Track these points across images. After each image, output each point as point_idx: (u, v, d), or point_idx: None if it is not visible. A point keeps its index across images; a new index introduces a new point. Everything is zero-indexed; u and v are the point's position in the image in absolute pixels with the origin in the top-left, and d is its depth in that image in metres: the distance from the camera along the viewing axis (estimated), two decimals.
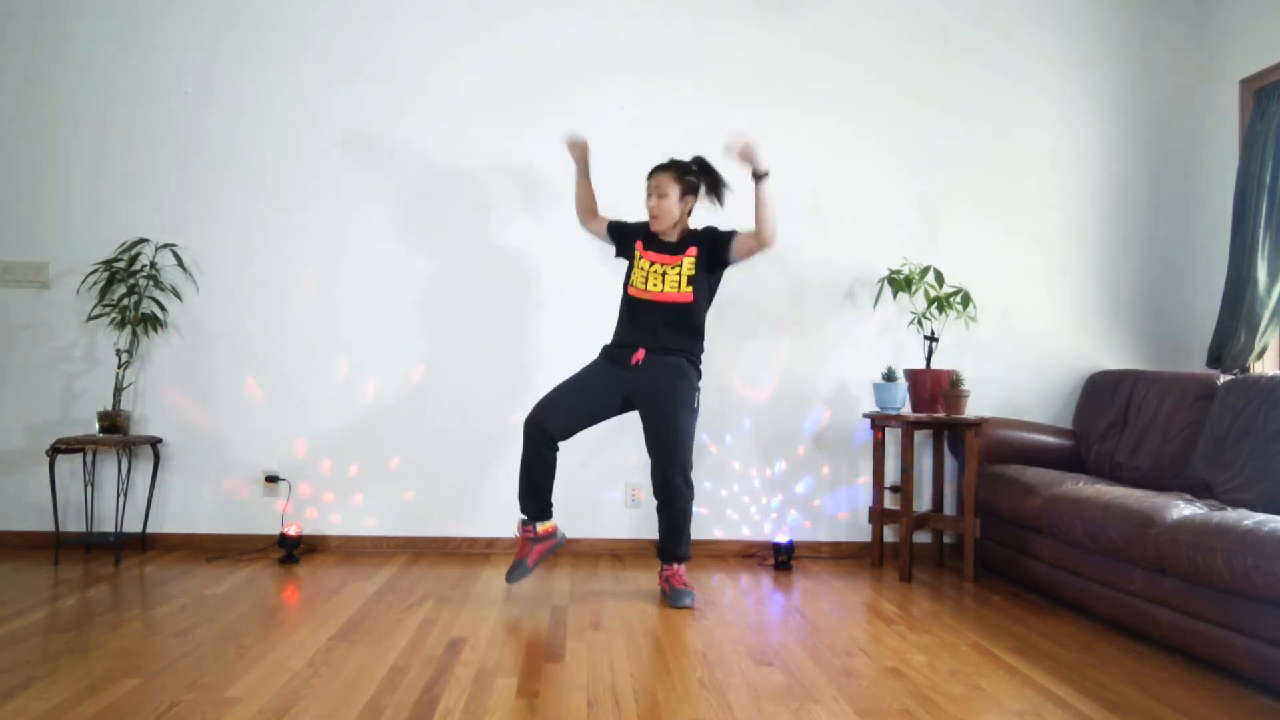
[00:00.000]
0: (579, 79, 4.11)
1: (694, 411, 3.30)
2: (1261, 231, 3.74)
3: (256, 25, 4.06)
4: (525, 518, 3.33)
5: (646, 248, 3.41)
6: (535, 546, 3.31)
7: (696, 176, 3.41)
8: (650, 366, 3.29)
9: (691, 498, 3.26)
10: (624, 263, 3.54)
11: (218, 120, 4.04)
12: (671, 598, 3.24)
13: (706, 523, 4.13)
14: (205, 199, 4.03)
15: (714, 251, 3.37)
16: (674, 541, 3.28)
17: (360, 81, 4.07)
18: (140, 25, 4.03)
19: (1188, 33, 4.32)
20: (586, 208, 3.61)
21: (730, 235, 3.37)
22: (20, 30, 4.00)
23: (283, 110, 4.05)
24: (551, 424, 3.23)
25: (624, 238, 3.53)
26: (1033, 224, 4.28)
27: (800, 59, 4.19)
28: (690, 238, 3.41)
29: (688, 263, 3.35)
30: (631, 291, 3.39)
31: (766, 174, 3.25)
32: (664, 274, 3.34)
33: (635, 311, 3.37)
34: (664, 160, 3.42)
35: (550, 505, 3.35)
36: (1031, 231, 4.28)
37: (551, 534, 3.37)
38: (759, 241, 3.31)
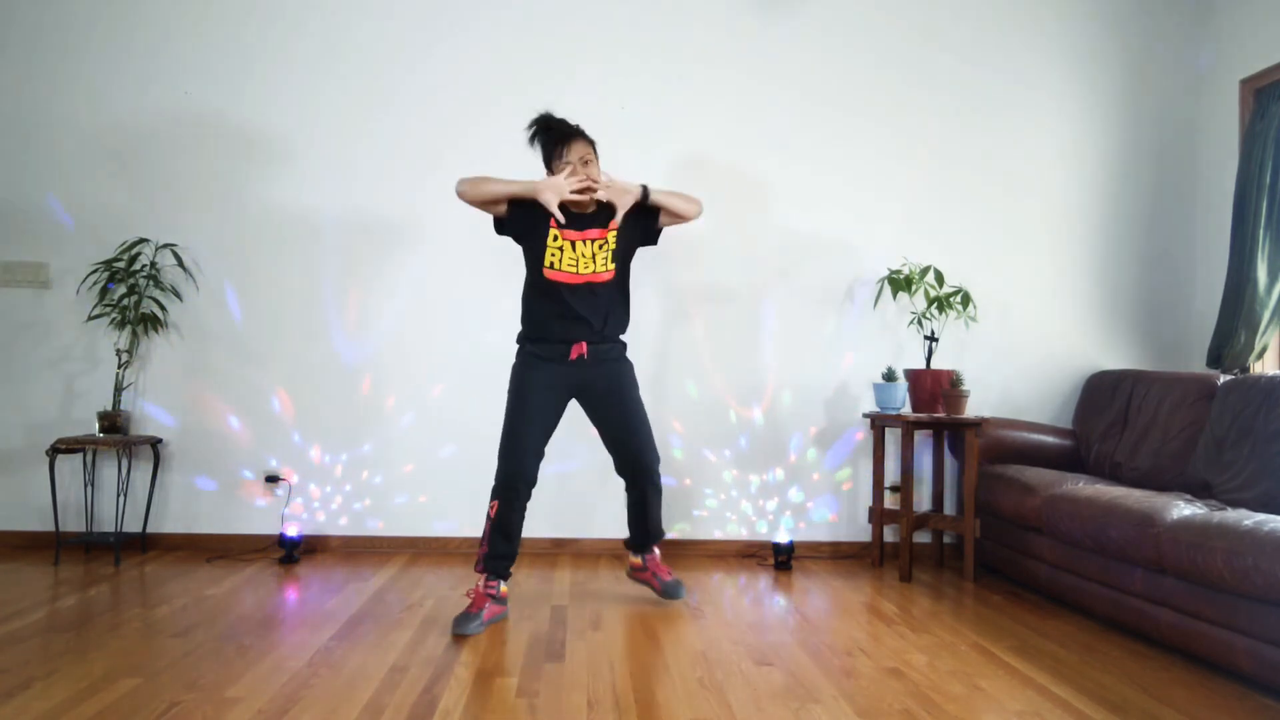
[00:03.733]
0: (579, 77, 4.12)
1: (639, 389, 3.17)
2: (1261, 231, 3.74)
3: (256, 25, 4.06)
4: (488, 575, 3.01)
5: (564, 226, 3.03)
6: (493, 605, 2.97)
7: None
8: (593, 359, 3.06)
9: (660, 472, 3.21)
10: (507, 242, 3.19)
11: (217, 120, 4.04)
12: (668, 590, 3.23)
13: (707, 523, 4.13)
14: (205, 199, 4.04)
15: (646, 224, 3.14)
16: (656, 521, 3.23)
17: (363, 82, 4.07)
18: (140, 25, 4.03)
19: (1188, 33, 4.32)
20: (491, 197, 3.07)
21: (657, 209, 3.14)
22: (20, 30, 4.00)
23: (283, 110, 4.05)
24: (529, 474, 3.00)
25: (527, 211, 3.05)
26: (1033, 224, 4.28)
27: (800, 58, 4.18)
28: (608, 208, 3.09)
29: (612, 236, 3.07)
30: (552, 275, 3.03)
31: (645, 192, 3.06)
32: (594, 254, 3.05)
33: (561, 297, 3.03)
34: (565, 125, 3.10)
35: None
36: (1031, 231, 4.28)
37: (505, 598, 3.07)
38: (687, 218, 3.18)
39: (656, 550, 3.31)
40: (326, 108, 4.06)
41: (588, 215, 3.09)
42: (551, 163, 3.10)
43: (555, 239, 3.03)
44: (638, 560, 3.31)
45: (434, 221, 4.07)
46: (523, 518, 3.05)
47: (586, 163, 3.06)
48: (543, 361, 3.08)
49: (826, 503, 4.18)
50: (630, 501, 3.22)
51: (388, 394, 4.07)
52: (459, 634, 2.84)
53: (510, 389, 3.11)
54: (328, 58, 4.07)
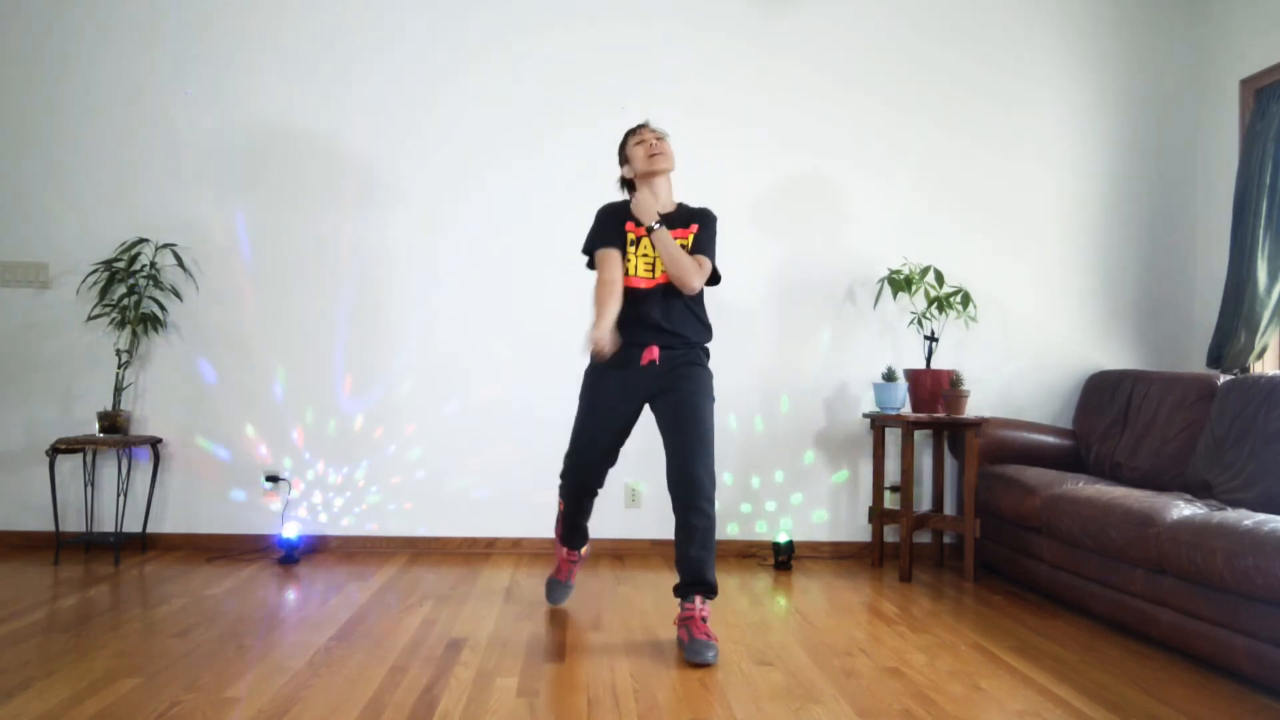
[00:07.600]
0: (578, 77, 4.11)
1: (714, 402, 2.95)
2: (1261, 231, 3.74)
3: (256, 25, 4.06)
4: (568, 548, 3.23)
5: (639, 226, 2.95)
6: (575, 566, 3.26)
7: None
8: (666, 365, 2.90)
9: (715, 501, 2.80)
10: None
11: (218, 120, 4.04)
12: (691, 650, 2.62)
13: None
14: (205, 199, 4.03)
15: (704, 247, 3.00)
16: (703, 562, 2.74)
17: (364, 82, 4.07)
18: (140, 25, 4.03)
19: (1188, 33, 4.32)
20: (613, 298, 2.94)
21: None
22: (21, 30, 4.00)
23: (283, 110, 4.05)
24: (594, 481, 3.04)
25: (610, 229, 2.98)
26: (1033, 224, 4.28)
27: (799, 59, 4.18)
28: (689, 213, 3.01)
29: (692, 239, 2.95)
30: (630, 282, 2.92)
31: (650, 229, 2.91)
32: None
33: (635, 303, 2.91)
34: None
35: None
36: (1032, 231, 4.28)
37: (586, 555, 3.33)
38: (678, 284, 2.93)
39: (699, 601, 2.75)
40: (331, 108, 4.06)
41: (666, 215, 2.97)
42: (626, 145, 3.04)
43: (632, 243, 2.95)
44: (679, 609, 2.82)
45: (433, 221, 4.08)
46: (589, 512, 3.18)
47: (661, 138, 3.00)
48: (614, 368, 2.91)
49: (826, 503, 4.18)
50: (675, 527, 2.80)
51: (389, 394, 4.06)
52: (554, 604, 3.19)
53: (581, 395, 3.02)
54: (329, 55, 4.07)
